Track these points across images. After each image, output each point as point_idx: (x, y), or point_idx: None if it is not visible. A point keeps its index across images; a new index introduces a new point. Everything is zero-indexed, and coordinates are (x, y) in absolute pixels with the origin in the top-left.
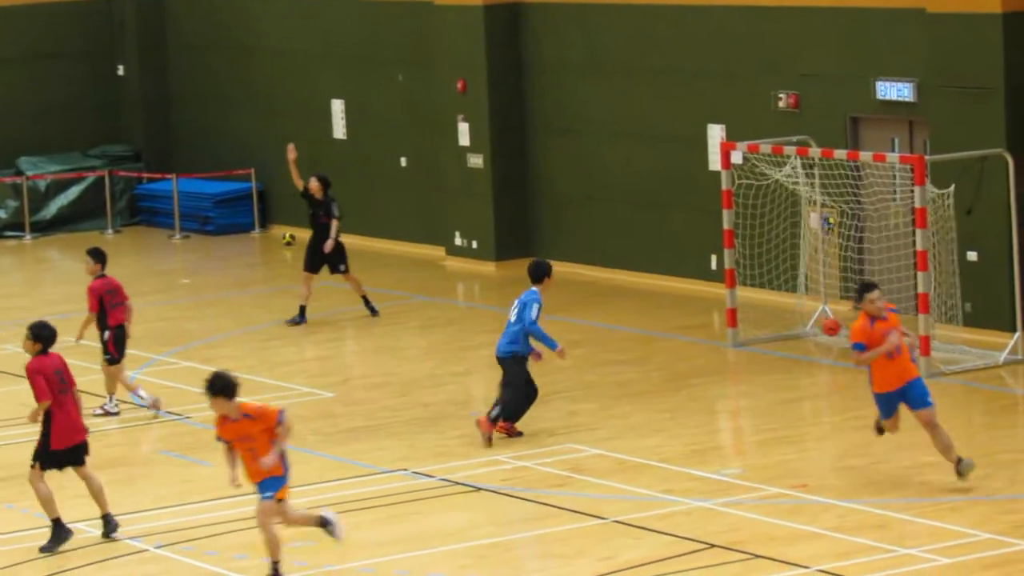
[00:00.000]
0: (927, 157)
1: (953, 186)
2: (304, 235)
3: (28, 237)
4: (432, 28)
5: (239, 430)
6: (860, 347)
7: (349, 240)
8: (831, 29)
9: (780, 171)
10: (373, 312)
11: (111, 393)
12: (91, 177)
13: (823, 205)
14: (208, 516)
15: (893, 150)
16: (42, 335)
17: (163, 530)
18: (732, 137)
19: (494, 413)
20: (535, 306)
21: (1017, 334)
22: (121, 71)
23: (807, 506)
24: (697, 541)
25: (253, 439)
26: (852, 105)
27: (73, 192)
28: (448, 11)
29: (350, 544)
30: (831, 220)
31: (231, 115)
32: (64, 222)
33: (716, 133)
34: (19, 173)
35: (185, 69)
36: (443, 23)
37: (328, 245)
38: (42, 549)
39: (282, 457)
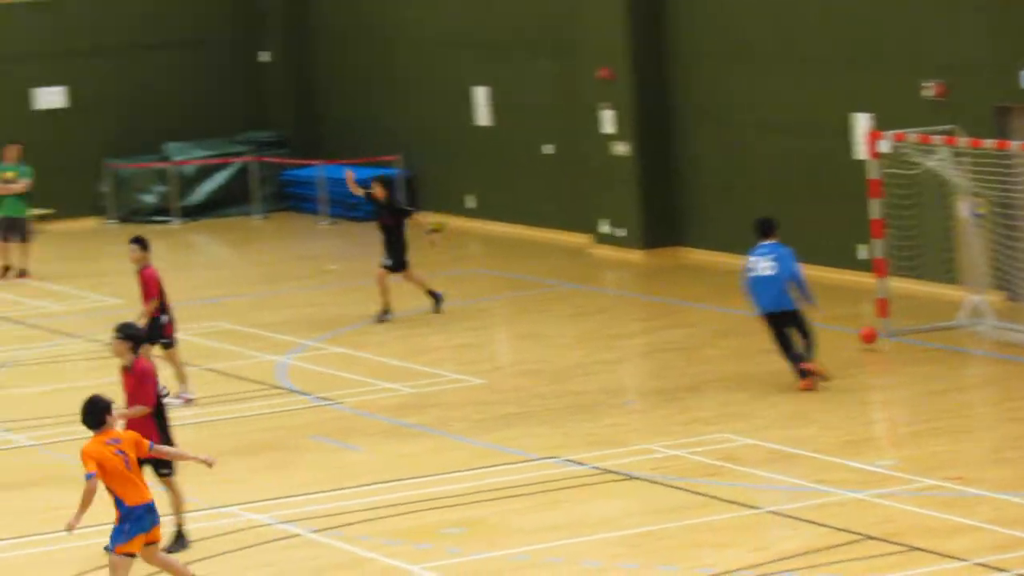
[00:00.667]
0: None
1: None
2: (447, 221)
3: (176, 222)
4: (576, 14)
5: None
6: None
7: (491, 227)
8: (978, 18)
9: (929, 159)
10: (437, 302)
11: (183, 380)
12: (237, 163)
13: (972, 194)
14: (360, 502)
15: None
16: (137, 335)
17: (315, 515)
18: (878, 126)
19: (809, 359)
20: (792, 259)
21: None
22: (265, 57)
23: (963, 498)
24: (852, 532)
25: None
26: (999, 94)
27: (220, 178)
28: None
29: (503, 531)
30: (981, 209)
31: (375, 101)
32: (211, 207)
33: (862, 122)
34: (166, 159)
35: (329, 56)
36: (587, 9)
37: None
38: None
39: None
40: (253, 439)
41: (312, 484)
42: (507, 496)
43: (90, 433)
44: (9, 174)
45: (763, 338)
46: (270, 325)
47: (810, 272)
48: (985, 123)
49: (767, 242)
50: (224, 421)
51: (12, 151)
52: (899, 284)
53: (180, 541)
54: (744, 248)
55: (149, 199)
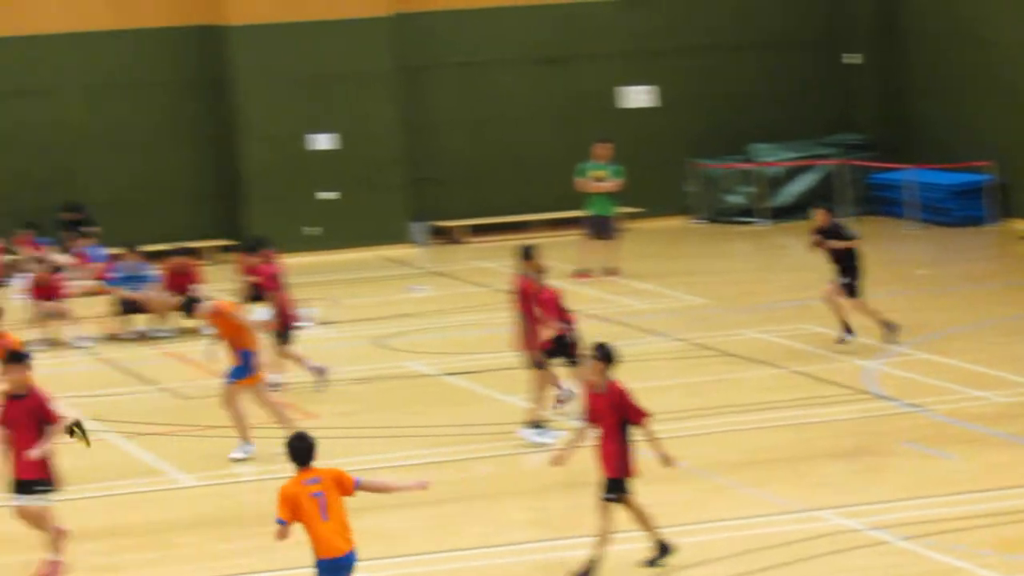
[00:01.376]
0: None
1: None
2: None
3: (762, 223)
4: None
5: None
6: None
7: None
8: None
9: None
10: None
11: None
12: (824, 166)
13: None
14: (954, 511)
15: None
16: (611, 355)
17: (907, 522)
18: None
19: None
20: None
21: None
22: (851, 59)
23: None
24: None
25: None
26: None
27: (807, 180)
28: None
29: None
30: None
31: (968, 106)
32: (798, 210)
33: None
34: (750, 159)
35: (921, 58)
36: None
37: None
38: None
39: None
40: (844, 443)
41: (904, 490)
42: None
43: None
44: (600, 172)
45: None
46: (857, 328)
47: None
48: None
49: None
50: (813, 424)
51: (603, 150)
52: None
53: (664, 550)
54: None
55: (735, 200)
